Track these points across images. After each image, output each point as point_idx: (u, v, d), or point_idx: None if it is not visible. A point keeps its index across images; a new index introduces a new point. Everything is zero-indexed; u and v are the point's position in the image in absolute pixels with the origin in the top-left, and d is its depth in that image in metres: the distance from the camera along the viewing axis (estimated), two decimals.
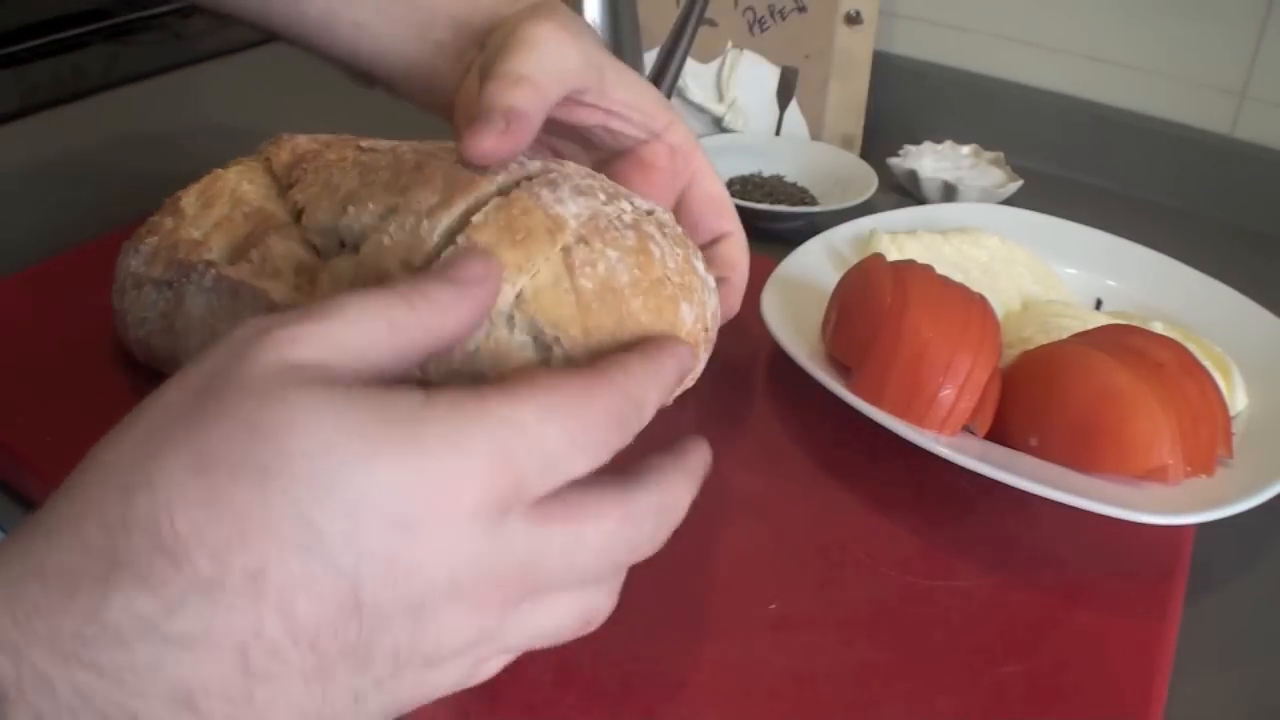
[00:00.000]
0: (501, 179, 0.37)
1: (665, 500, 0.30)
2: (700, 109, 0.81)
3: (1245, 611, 0.43)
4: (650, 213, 0.38)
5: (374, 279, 0.36)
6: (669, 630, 0.38)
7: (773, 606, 0.39)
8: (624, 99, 0.45)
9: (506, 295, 0.34)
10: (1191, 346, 0.47)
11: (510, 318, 0.34)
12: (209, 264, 0.42)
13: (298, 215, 0.42)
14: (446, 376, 0.33)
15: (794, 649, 0.38)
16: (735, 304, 0.46)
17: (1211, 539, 0.44)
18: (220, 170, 0.46)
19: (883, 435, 0.45)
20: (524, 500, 0.26)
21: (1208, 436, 0.44)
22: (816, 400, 0.49)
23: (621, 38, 0.67)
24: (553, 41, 0.41)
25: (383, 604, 0.25)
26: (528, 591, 0.28)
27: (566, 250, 0.34)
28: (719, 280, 0.43)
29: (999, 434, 0.46)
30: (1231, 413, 0.47)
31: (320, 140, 0.45)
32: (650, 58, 0.72)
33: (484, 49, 0.47)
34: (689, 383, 0.38)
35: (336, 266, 0.39)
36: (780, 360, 0.50)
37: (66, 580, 0.23)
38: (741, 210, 0.69)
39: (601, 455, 0.28)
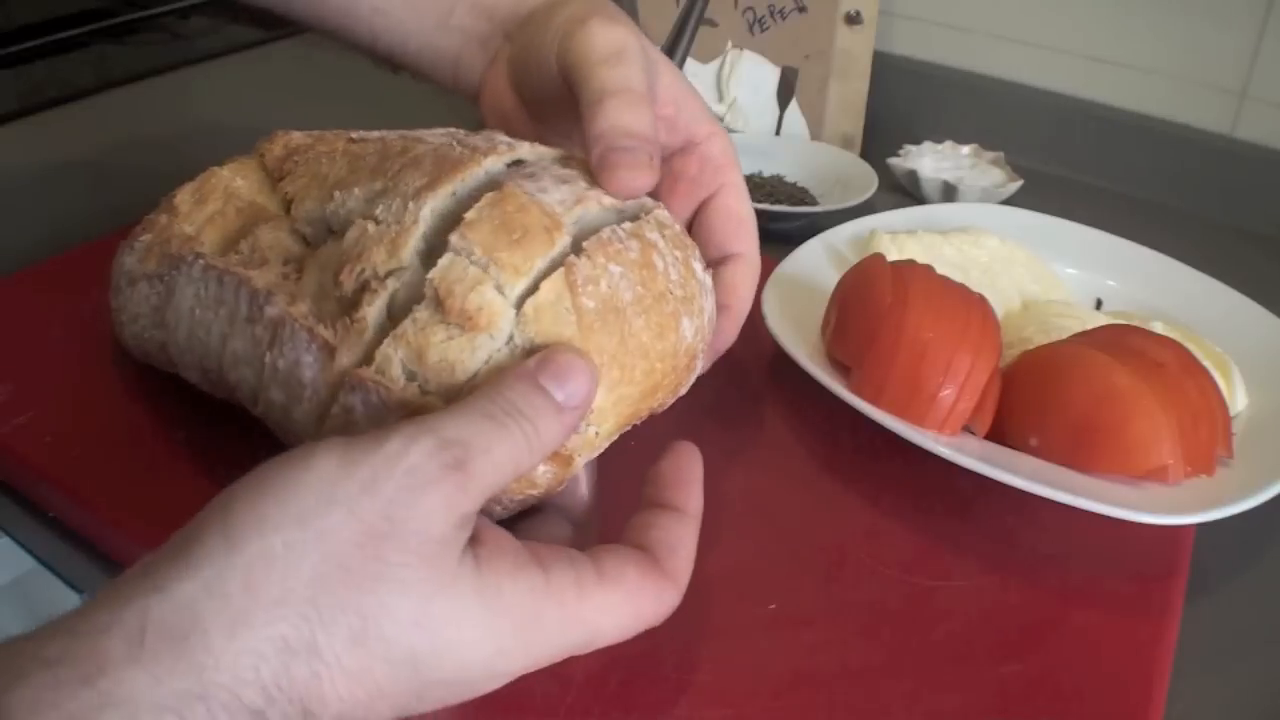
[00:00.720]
0: (489, 161, 0.37)
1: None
2: None
3: (1245, 611, 0.43)
4: (648, 211, 0.38)
5: (357, 263, 0.36)
6: (669, 630, 0.38)
7: (772, 606, 0.39)
8: (673, 104, 0.43)
9: (508, 315, 0.33)
10: (1191, 346, 0.47)
11: (510, 337, 0.33)
12: (198, 255, 0.42)
13: (288, 207, 0.42)
14: (446, 393, 0.33)
15: (794, 649, 0.38)
16: (733, 334, 0.43)
17: (1211, 539, 0.44)
18: (216, 168, 0.46)
19: (883, 435, 0.45)
20: None
21: (1208, 436, 0.44)
22: (816, 400, 0.49)
23: None
24: (633, 47, 0.40)
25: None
26: None
27: (569, 267, 0.34)
28: (718, 307, 0.41)
29: (999, 434, 0.46)
30: (1231, 413, 0.47)
31: (313, 135, 0.45)
32: None
33: (511, 39, 0.46)
34: (682, 390, 0.38)
35: (322, 255, 0.39)
36: (780, 360, 0.50)
37: None
38: None
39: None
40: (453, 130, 0.42)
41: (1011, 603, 0.40)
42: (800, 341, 0.50)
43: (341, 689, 0.27)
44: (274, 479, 0.28)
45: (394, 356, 0.34)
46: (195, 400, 0.46)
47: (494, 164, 0.38)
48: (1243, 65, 0.74)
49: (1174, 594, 0.41)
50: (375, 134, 0.42)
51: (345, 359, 0.35)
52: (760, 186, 0.73)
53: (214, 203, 0.44)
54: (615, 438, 0.36)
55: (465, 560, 0.29)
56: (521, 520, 0.37)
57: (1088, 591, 0.41)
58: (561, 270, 0.34)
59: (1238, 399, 0.50)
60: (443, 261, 0.34)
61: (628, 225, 0.36)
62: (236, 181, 0.45)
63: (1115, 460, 0.43)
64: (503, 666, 0.30)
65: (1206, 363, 0.47)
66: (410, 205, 0.36)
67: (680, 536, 0.34)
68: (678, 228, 0.39)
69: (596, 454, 0.36)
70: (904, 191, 0.76)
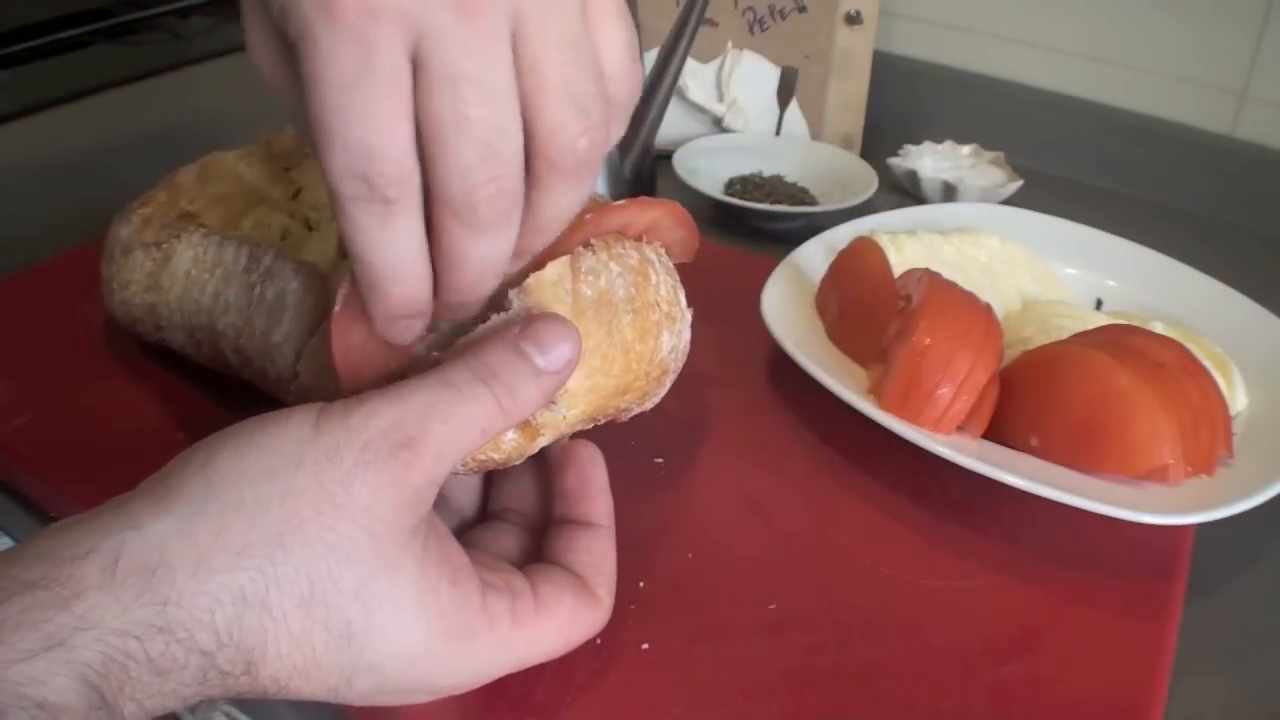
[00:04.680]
0: None
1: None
2: (700, 109, 0.81)
3: (1245, 611, 0.43)
4: (647, 242, 0.39)
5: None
6: (669, 630, 0.38)
7: (772, 606, 0.39)
8: None
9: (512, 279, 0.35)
10: (1191, 346, 0.47)
11: (509, 303, 0.35)
12: (200, 225, 0.43)
13: (294, 195, 0.42)
14: (439, 347, 0.34)
15: (794, 649, 0.38)
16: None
17: (1211, 539, 0.44)
18: (219, 152, 0.47)
19: (883, 435, 0.45)
20: None
21: (1208, 436, 0.44)
22: (816, 400, 0.49)
23: None
24: None
25: None
26: None
27: (576, 255, 0.35)
28: None
29: (999, 434, 0.46)
30: (1231, 413, 0.47)
31: None
32: (650, 58, 0.72)
33: None
34: (648, 404, 0.40)
35: (329, 235, 0.40)
36: (780, 360, 0.50)
37: (175, 672, 0.27)
38: (741, 210, 0.69)
39: None
40: None
41: (1011, 603, 0.40)
42: (800, 341, 0.50)
43: (284, 648, 0.28)
44: (257, 437, 0.30)
45: None
46: (196, 401, 0.46)
47: None
48: (1243, 65, 0.74)
49: (1174, 594, 0.41)
50: None
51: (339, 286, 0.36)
52: (760, 186, 0.73)
53: (218, 184, 0.45)
54: (579, 428, 0.37)
55: (411, 547, 0.30)
56: (473, 529, 0.38)
57: (1088, 591, 0.41)
58: (568, 257, 0.35)
59: (1238, 399, 0.50)
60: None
61: (631, 241, 0.38)
62: (241, 167, 0.46)
63: (1115, 460, 0.43)
64: (428, 670, 0.31)
65: (1206, 363, 0.47)
66: None
67: (601, 553, 0.36)
68: (671, 264, 0.40)
69: (560, 438, 0.37)
70: (904, 191, 0.76)
